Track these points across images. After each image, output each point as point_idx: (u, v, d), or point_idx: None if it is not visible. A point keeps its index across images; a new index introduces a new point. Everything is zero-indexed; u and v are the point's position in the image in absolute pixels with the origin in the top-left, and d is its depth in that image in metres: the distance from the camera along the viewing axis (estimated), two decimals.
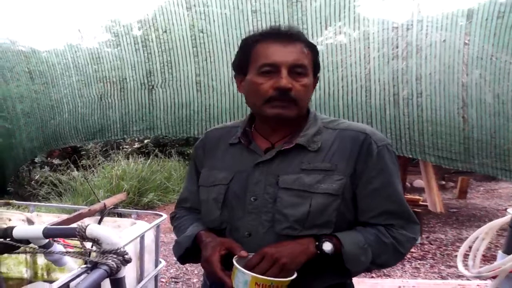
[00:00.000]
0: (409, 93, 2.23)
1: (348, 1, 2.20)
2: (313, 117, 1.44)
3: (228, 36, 2.34)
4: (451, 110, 2.23)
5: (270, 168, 1.39)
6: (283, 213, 1.33)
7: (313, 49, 1.40)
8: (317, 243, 1.28)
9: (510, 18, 1.95)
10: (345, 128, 1.41)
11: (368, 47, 2.21)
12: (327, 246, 1.28)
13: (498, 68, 2.10)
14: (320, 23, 2.20)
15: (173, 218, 1.67)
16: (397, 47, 2.21)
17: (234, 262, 1.23)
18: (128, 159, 9.57)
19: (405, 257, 5.46)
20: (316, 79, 1.45)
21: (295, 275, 1.23)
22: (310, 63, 1.37)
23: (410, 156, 2.34)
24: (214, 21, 2.32)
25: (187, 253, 1.44)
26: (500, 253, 2.29)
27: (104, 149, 10.41)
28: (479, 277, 2.36)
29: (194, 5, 2.33)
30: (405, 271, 5.10)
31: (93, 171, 9.02)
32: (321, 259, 1.29)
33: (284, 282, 1.21)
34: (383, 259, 1.35)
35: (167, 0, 2.36)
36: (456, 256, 5.31)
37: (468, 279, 3.96)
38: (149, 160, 9.59)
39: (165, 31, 2.43)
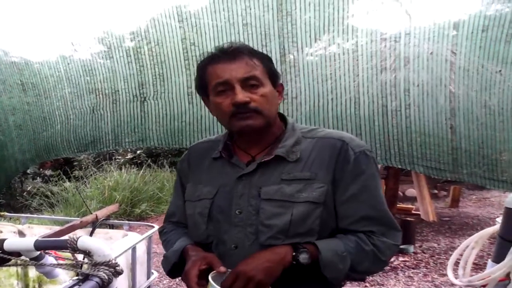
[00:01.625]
0: (398, 104, 2.26)
1: (338, 13, 2.22)
2: (291, 128, 1.48)
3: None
4: (439, 121, 2.26)
5: (252, 181, 1.42)
6: (265, 224, 1.36)
7: (263, 58, 1.42)
8: (294, 253, 1.30)
9: (494, 31, 1.99)
10: (323, 136, 1.44)
11: (357, 59, 2.24)
12: (304, 256, 1.29)
13: (485, 79, 2.14)
14: (310, 35, 2.23)
15: (161, 232, 1.70)
16: (385, 59, 2.24)
17: (210, 278, 1.25)
18: (120, 169, 9.56)
19: (398, 266, 5.49)
20: (280, 86, 1.48)
21: None
22: (263, 73, 1.39)
23: (400, 167, 2.36)
24: (205, 33, 2.34)
25: (175, 267, 1.46)
26: (489, 262, 2.31)
27: (96, 159, 10.38)
28: (469, 286, 2.38)
29: (186, 18, 2.35)
30: (398, 280, 5.11)
31: (85, 182, 8.99)
32: (304, 268, 1.31)
33: None
34: (364, 267, 1.36)
35: (159, 12, 2.38)
36: (447, 265, 5.35)
37: None
38: (141, 171, 9.57)
39: (157, 44, 2.45)
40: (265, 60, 1.43)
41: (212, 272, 1.28)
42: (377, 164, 1.46)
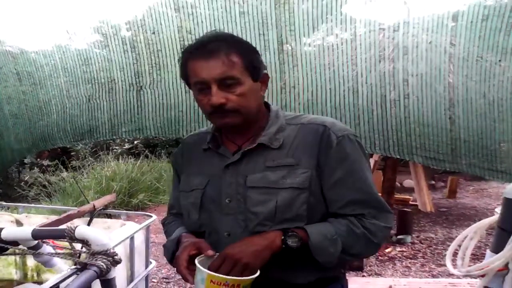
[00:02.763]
0: (397, 94, 2.25)
1: (336, 2, 2.21)
2: (274, 116, 1.46)
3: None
4: (438, 111, 2.25)
5: (238, 169, 1.42)
6: (252, 211, 1.37)
7: (243, 53, 1.36)
8: (283, 237, 1.30)
9: (494, 21, 1.97)
10: (307, 122, 1.43)
11: (356, 49, 2.22)
12: (293, 240, 1.29)
13: (484, 69, 2.12)
14: (308, 24, 2.21)
15: (163, 224, 1.75)
16: (384, 49, 2.22)
17: (196, 261, 1.27)
18: (118, 160, 9.52)
19: (396, 256, 5.51)
20: (264, 76, 1.43)
21: (257, 274, 1.24)
22: (242, 69, 1.34)
23: (398, 157, 2.35)
24: (202, 22, 2.32)
25: (174, 256, 1.46)
26: (488, 252, 2.30)
27: (94, 150, 10.35)
28: (468, 276, 2.38)
29: (182, 7, 2.32)
30: (396, 270, 5.13)
31: (82, 172, 8.97)
32: (297, 253, 1.31)
33: (242, 280, 1.22)
34: (356, 250, 1.36)
35: (155, 1, 2.36)
36: (446, 255, 5.36)
37: (458, 278, 3.99)
38: (139, 161, 9.55)
39: (153, 33, 2.43)
40: (246, 53, 1.38)
41: (200, 256, 1.30)
42: (363, 148, 1.43)
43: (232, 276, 1.22)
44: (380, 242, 1.39)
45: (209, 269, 1.24)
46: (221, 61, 1.32)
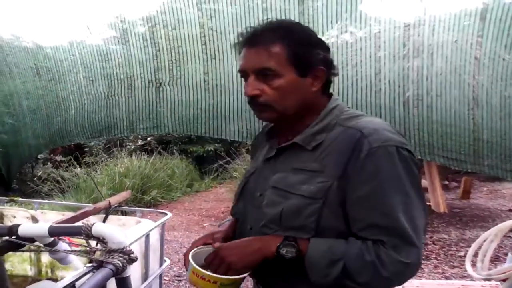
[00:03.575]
0: (419, 93, 2.21)
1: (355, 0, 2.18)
2: (325, 113, 1.36)
3: (237, 34, 2.30)
4: (461, 111, 2.21)
5: (274, 165, 1.40)
6: (263, 211, 1.34)
7: (290, 44, 1.30)
8: (279, 244, 1.24)
9: None
10: (352, 126, 1.30)
11: (379, 46, 2.19)
12: (287, 250, 1.22)
13: (509, 69, 2.08)
14: (331, 21, 2.18)
15: None
16: (404, 46, 2.19)
17: (192, 251, 1.35)
18: (131, 156, 9.56)
19: None
20: (317, 71, 1.34)
21: (243, 275, 1.25)
22: (284, 62, 1.29)
23: (419, 158, 2.31)
24: (224, 18, 2.31)
25: None
26: (510, 255, 2.27)
27: (107, 146, 10.40)
28: (488, 279, 2.34)
29: (204, 2, 2.31)
30: None
31: (95, 168, 9.01)
32: (299, 266, 1.24)
33: (218, 278, 1.23)
34: (363, 279, 1.20)
35: None
36: (460, 256, 5.31)
37: (472, 280, 3.93)
38: (152, 158, 9.57)
39: (174, 28, 2.42)
40: (294, 45, 1.30)
41: (197, 248, 1.37)
42: (410, 165, 1.23)
43: (219, 273, 1.24)
44: (391, 277, 1.20)
45: (204, 261, 1.30)
46: (261, 51, 1.30)
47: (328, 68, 1.36)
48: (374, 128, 1.26)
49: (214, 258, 1.28)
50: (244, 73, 1.34)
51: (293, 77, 1.30)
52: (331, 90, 1.44)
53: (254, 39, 1.32)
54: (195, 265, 1.26)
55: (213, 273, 1.25)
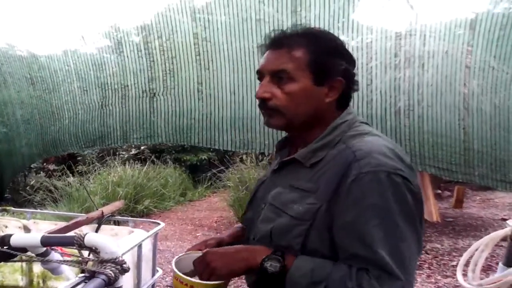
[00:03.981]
0: (410, 103, 2.23)
1: (347, 10, 2.20)
2: (332, 128, 1.30)
3: (231, 45, 2.32)
4: (452, 121, 2.24)
5: (277, 178, 1.39)
6: (257, 226, 1.34)
7: (314, 51, 1.26)
8: (264, 257, 1.20)
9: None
10: (351, 145, 1.23)
11: (371, 57, 2.21)
12: (271, 264, 1.18)
13: (499, 79, 2.11)
14: None
15: None
16: (396, 56, 2.22)
17: (178, 256, 1.37)
18: (124, 165, 9.52)
19: None
20: (335, 82, 1.28)
21: (219, 282, 1.24)
22: (303, 67, 1.25)
23: None
24: (218, 28, 2.32)
25: None
26: (500, 265, 2.29)
27: (100, 155, 10.35)
28: None
29: (198, 13, 2.33)
30: None
31: (89, 177, 8.96)
32: (281, 282, 1.22)
33: (194, 283, 1.24)
34: None
35: (170, 8, 2.36)
36: (452, 266, 5.32)
37: None
38: (145, 167, 9.54)
39: (168, 39, 2.43)
40: (317, 52, 1.26)
41: (185, 253, 1.40)
42: (402, 191, 1.15)
43: (203, 278, 1.25)
44: None
45: (192, 263, 1.31)
46: (283, 53, 1.27)
47: (347, 81, 1.30)
48: (368, 151, 1.19)
49: (200, 262, 1.27)
50: (260, 74, 1.31)
51: (308, 84, 1.26)
52: None
53: (281, 41, 1.29)
54: (175, 269, 1.28)
55: (199, 277, 1.26)
